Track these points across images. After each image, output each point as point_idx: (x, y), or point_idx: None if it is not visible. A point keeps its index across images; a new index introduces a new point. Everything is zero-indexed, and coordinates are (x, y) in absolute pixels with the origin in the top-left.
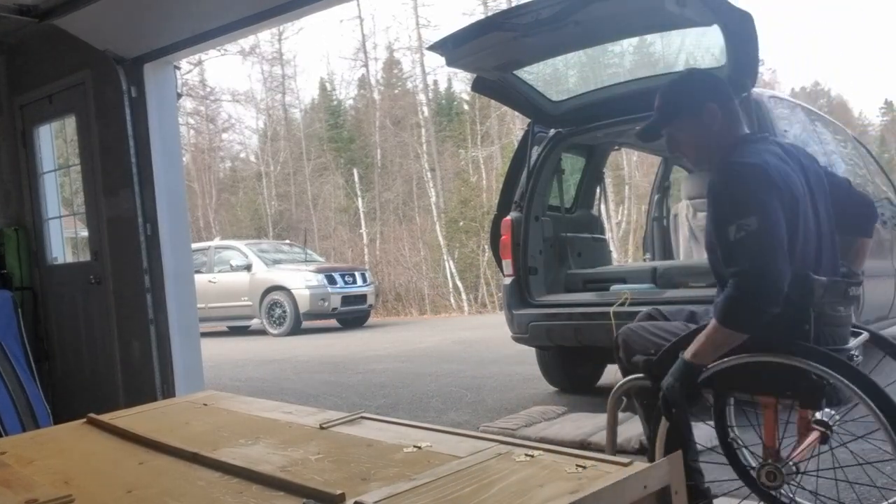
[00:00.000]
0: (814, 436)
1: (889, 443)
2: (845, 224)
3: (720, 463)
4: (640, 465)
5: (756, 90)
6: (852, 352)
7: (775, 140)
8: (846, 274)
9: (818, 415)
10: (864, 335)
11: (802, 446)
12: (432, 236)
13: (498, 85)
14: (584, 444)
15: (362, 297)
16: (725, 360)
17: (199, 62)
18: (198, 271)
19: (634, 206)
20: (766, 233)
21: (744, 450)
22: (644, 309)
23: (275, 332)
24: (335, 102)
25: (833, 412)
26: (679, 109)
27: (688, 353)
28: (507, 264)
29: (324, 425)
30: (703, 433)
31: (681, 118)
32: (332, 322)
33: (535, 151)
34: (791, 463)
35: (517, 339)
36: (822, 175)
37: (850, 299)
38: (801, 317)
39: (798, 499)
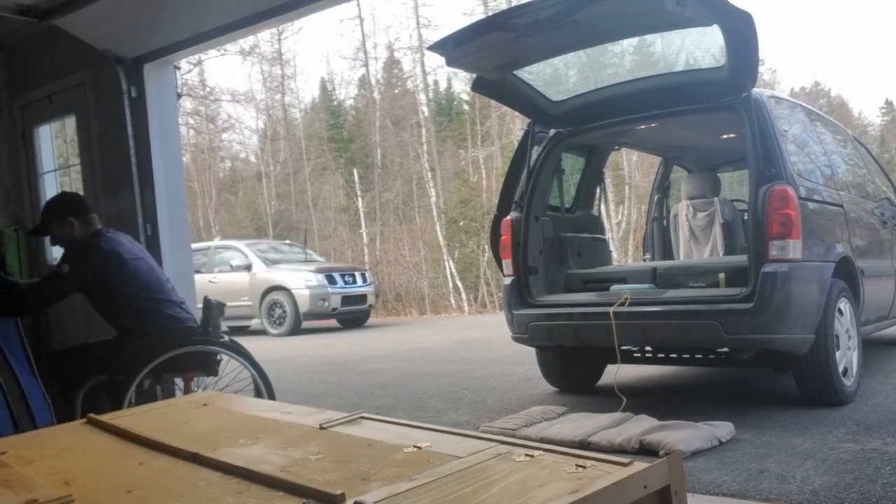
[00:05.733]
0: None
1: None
2: None
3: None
4: (640, 464)
5: (756, 90)
6: None
7: (112, 231)
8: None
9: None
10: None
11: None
12: (432, 236)
13: (498, 85)
14: (584, 444)
15: (362, 297)
16: (168, 353)
17: (199, 62)
18: (198, 271)
19: (634, 206)
20: (68, 276)
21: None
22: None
23: (275, 332)
24: (335, 102)
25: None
26: (52, 218)
27: None
28: (507, 264)
29: (324, 425)
30: (703, 433)
31: (55, 223)
32: (332, 322)
33: (536, 151)
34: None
35: (517, 339)
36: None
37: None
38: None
39: None
